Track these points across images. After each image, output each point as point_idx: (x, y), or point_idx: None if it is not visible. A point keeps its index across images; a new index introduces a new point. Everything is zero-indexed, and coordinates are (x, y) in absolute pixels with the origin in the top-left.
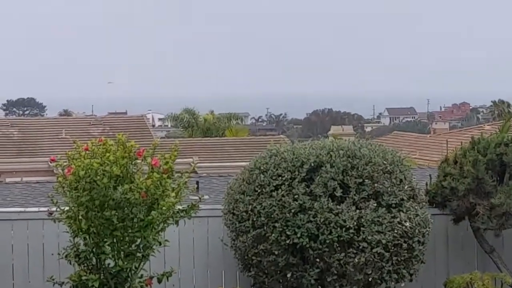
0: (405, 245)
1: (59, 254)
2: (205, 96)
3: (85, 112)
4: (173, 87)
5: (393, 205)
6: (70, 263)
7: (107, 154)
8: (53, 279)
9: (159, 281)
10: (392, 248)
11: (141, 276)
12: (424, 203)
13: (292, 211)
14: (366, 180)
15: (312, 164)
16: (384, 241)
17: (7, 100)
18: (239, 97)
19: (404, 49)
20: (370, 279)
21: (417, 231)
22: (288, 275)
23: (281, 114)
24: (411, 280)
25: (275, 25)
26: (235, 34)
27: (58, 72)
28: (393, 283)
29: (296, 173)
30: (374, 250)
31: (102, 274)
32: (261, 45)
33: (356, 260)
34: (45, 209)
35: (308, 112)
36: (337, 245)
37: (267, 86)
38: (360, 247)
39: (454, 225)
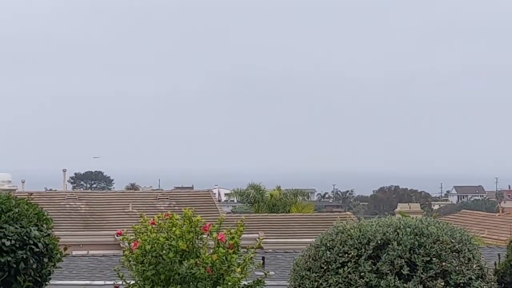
0: None
1: None
2: (271, 172)
3: (152, 186)
4: (241, 163)
5: (462, 285)
6: None
7: (173, 229)
8: None
9: None
10: None
11: None
12: (493, 283)
13: None
14: (434, 259)
15: (379, 242)
16: None
17: (75, 173)
18: (306, 174)
19: (472, 128)
20: None
21: None
22: None
23: (347, 191)
24: None
25: (344, 100)
26: (304, 109)
27: (125, 145)
28: None
29: (363, 250)
30: None
31: None
32: (329, 121)
33: None
34: (111, 282)
35: (375, 189)
36: None
37: (334, 163)
38: None
39: None
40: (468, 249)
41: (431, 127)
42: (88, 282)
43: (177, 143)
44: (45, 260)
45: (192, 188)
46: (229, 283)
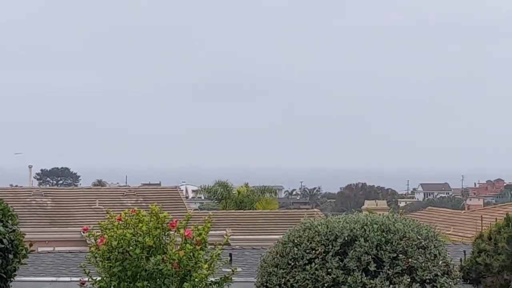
0: None
1: None
2: (239, 169)
3: (119, 182)
4: (208, 160)
5: (427, 281)
6: None
7: (140, 225)
8: None
9: None
10: None
11: None
12: (458, 279)
13: (326, 285)
14: (400, 255)
15: (346, 238)
16: None
17: (41, 170)
18: (273, 171)
19: (439, 127)
20: None
21: None
22: None
23: (315, 188)
24: None
25: (310, 99)
26: (273, 107)
27: (92, 142)
28: None
29: (330, 246)
30: None
31: None
32: (297, 119)
33: None
34: (77, 279)
35: (342, 186)
36: None
37: (301, 161)
38: None
39: None
40: (434, 245)
41: (398, 125)
42: (54, 278)
43: (144, 140)
44: (10, 256)
45: (159, 184)
46: (196, 280)
